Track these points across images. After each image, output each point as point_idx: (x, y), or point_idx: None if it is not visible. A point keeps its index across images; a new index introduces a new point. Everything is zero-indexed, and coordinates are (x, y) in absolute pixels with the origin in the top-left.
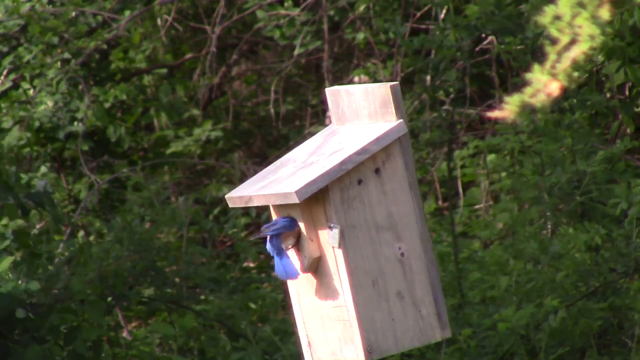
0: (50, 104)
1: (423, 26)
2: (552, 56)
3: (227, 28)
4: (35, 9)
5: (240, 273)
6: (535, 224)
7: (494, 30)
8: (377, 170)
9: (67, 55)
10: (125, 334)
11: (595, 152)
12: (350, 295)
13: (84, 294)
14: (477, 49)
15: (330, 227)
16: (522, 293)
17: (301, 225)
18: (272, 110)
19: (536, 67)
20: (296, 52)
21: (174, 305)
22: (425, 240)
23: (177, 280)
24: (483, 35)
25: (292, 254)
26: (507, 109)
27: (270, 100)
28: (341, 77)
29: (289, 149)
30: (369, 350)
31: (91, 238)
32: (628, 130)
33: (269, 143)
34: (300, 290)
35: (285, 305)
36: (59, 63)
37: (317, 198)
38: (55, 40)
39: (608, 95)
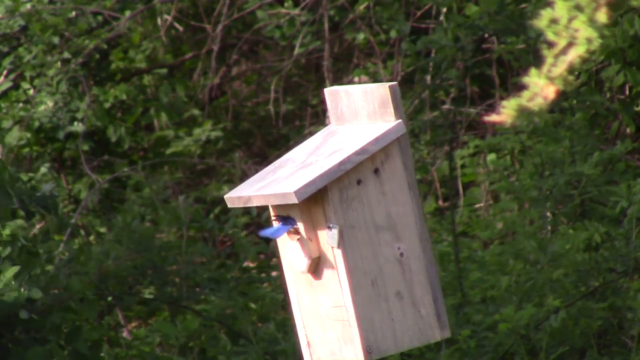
0: (50, 104)
1: (423, 25)
2: (549, 60)
3: (227, 28)
4: (35, 8)
5: (240, 273)
6: (535, 224)
7: (496, 30)
8: (376, 171)
9: (67, 55)
10: (125, 334)
11: (595, 153)
12: (350, 296)
13: (82, 292)
14: (479, 47)
15: (329, 228)
16: (522, 293)
17: (300, 225)
18: (272, 110)
19: (533, 70)
20: (296, 52)
21: (174, 305)
22: (425, 240)
23: (177, 280)
24: (485, 34)
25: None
26: (505, 113)
27: (270, 100)
28: (341, 77)
29: (289, 149)
30: (368, 350)
31: (91, 238)
32: (628, 131)
33: (269, 143)
34: (300, 290)
35: (285, 305)
36: (59, 63)
37: (316, 198)
38: (56, 39)
39: (608, 95)
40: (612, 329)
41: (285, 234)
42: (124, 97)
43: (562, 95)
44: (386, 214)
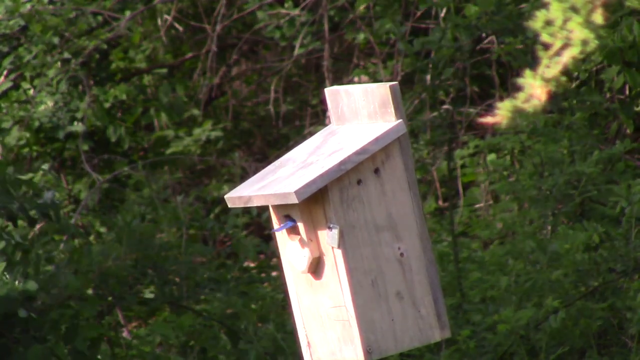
0: (50, 104)
1: (423, 25)
2: (544, 61)
3: (227, 28)
4: (35, 8)
5: (240, 273)
6: (535, 224)
7: (494, 30)
8: (376, 171)
9: (67, 55)
10: (125, 334)
11: (594, 153)
12: (350, 296)
13: (81, 291)
14: (477, 48)
15: (329, 228)
16: (521, 293)
17: (300, 225)
18: (272, 110)
19: (528, 72)
20: (296, 52)
21: (174, 305)
22: (425, 240)
23: (177, 279)
24: (483, 34)
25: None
26: (500, 114)
27: (270, 100)
28: (341, 77)
29: (289, 149)
30: (368, 351)
31: (91, 238)
32: (628, 131)
33: (269, 143)
34: (300, 290)
35: (285, 304)
36: (59, 63)
37: (317, 198)
38: (56, 40)
39: (608, 95)
40: (611, 329)
41: (286, 233)
42: (124, 97)
43: (561, 95)
44: (386, 214)
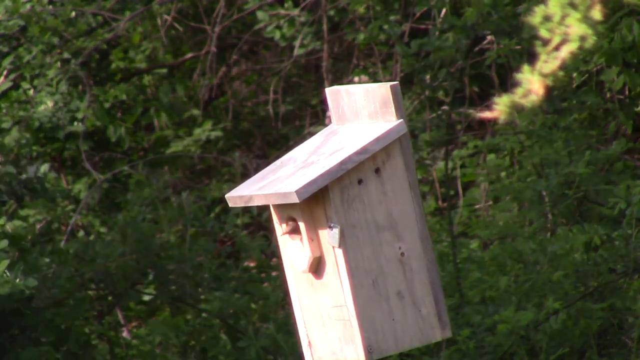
0: (50, 104)
1: (422, 26)
2: (542, 56)
3: (227, 28)
4: (34, 9)
5: (241, 273)
6: (534, 224)
7: (490, 31)
8: (377, 170)
9: (67, 55)
10: (125, 334)
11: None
12: (351, 295)
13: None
14: (476, 49)
15: (330, 227)
16: (521, 293)
17: (301, 225)
18: (271, 110)
19: (526, 67)
20: (296, 52)
21: (177, 303)
22: (425, 240)
23: (179, 278)
24: (483, 35)
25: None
26: (498, 109)
27: (270, 100)
28: (341, 77)
29: (289, 149)
30: (369, 350)
31: (91, 238)
32: (627, 131)
33: (269, 143)
34: (301, 289)
35: (284, 304)
36: (59, 63)
37: (317, 198)
38: (55, 40)
39: (608, 95)
40: (611, 329)
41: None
42: (124, 97)
43: (560, 96)
44: (387, 213)
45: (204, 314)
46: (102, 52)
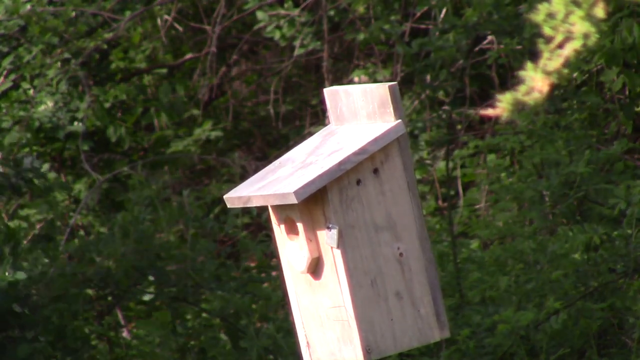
0: (50, 104)
1: (423, 26)
2: (545, 54)
3: (227, 28)
4: (34, 9)
5: (241, 273)
6: (534, 224)
7: (492, 31)
8: (375, 171)
9: (67, 55)
10: (125, 334)
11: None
12: (349, 296)
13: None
14: (476, 49)
15: (328, 228)
16: (521, 293)
17: (300, 225)
18: (272, 110)
19: (529, 65)
20: (296, 52)
21: (177, 303)
22: (424, 240)
23: (180, 277)
24: (484, 35)
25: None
26: (500, 107)
27: (270, 100)
28: (341, 77)
29: (288, 149)
30: (367, 351)
31: (91, 238)
32: (627, 131)
33: (269, 143)
34: (299, 290)
35: (283, 304)
36: (59, 63)
37: (316, 198)
38: (56, 40)
39: (608, 95)
40: (611, 329)
41: (285, 233)
42: (124, 97)
43: (561, 96)
44: (386, 214)
45: (204, 314)
46: (102, 52)
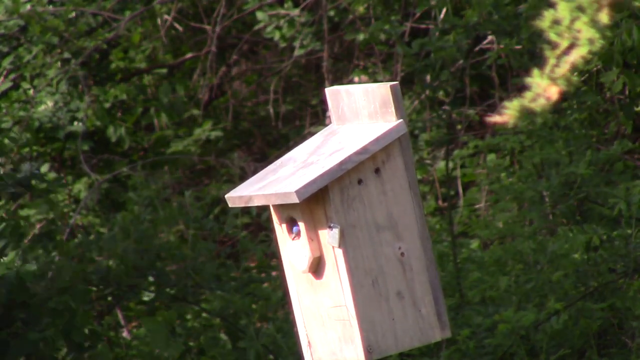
0: (50, 104)
1: (423, 26)
2: (551, 60)
3: (227, 28)
4: (35, 9)
5: (242, 273)
6: (534, 225)
7: (491, 31)
8: (377, 170)
9: (67, 55)
10: (125, 334)
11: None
12: (350, 295)
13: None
14: (476, 49)
15: (330, 227)
16: (521, 293)
17: (301, 225)
18: (272, 110)
19: (536, 71)
20: (296, 53)
21: (177, 303)
22: (425, 240)
23: (181, 277)
24: (484, 35)
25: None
26: (507, 113)
27: (270, 100)
28: (341, 77)
29: (289, 149)
30: (368, 350)
31: (91, 238)
32: (627, 131)
33: (269, 143)
34: (300, 289)
35: (284, 304)
36: (59, 63)
37: (317, 198)
38: (56, 40)
39: (608, 95)
40: (611, 329)
41: (286, 233)
42: (124, 97)
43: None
44: (387, 213)
45: (204, 314)
46: (102, 52)
